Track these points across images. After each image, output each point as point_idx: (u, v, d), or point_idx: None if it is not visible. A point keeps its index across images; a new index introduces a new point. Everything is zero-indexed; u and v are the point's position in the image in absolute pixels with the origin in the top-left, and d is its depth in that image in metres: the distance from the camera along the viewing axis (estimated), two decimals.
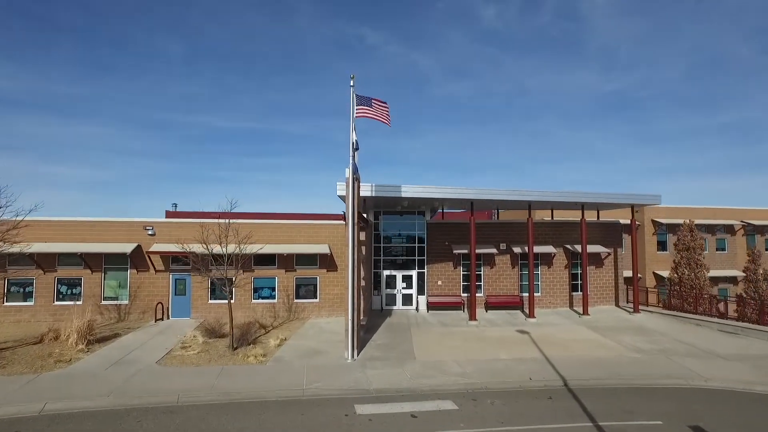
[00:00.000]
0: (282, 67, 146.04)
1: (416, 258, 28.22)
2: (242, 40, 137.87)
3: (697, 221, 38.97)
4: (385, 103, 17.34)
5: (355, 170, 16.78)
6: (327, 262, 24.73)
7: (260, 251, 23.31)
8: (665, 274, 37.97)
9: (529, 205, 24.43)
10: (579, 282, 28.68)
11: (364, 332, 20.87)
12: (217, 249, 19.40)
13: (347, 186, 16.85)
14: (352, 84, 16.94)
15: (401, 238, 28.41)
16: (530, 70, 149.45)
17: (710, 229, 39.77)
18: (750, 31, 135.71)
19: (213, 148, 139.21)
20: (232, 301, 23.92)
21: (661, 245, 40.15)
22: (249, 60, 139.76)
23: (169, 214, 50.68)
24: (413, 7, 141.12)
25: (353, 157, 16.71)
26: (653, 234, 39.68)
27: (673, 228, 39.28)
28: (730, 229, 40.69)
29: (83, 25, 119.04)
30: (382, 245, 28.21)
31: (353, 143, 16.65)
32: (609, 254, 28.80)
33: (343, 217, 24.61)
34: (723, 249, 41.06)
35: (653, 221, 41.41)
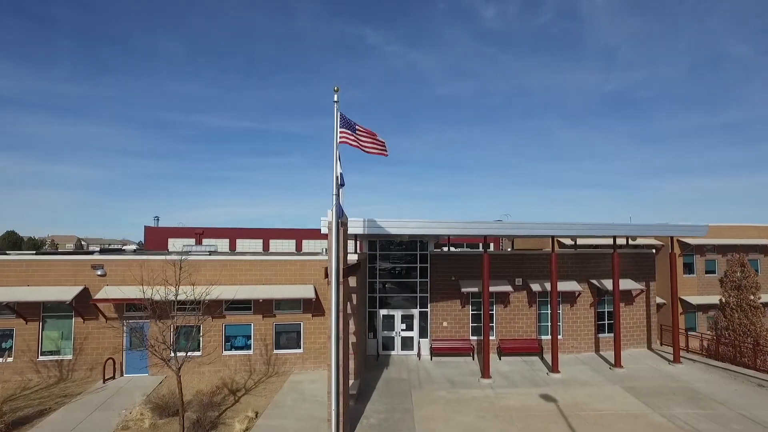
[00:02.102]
0: (282, 66, 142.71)
1: (418, 295, 24.33)
2: (242, 39, 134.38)
3: (726, 241, 35.28)
4: (375, 134, 13.52)
5: (340, 213, 12.89)
6: (313, 305, 20.82)
7: (232, 296, 19.43)
8: (692, 300, 34.19)
9: (553, 240, 20.55)
10: (606, 321, 24.84)
11: (354, 401, 16.98)
12: (178, 294, 15.60)
13: (330, 233, 12.97)
14: (336, 99, 13.07)
15: (400, 271, 24.52)
16: (530, 69, 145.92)
17: (741, 249, 35.99)
18: (750, 30, 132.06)
19: (213, 148, 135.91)
20: (198, 354, 20.18)
21: (688, 268, 36.34)
22: (249, 60, 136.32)
23: (148, 231, 46.78)
24: (414, 7, 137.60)
25: (337, 195, 12.82)
26: (679, 255, 35.80)
27: (700, 249, 35.54)
28: (764, 249, 36.86)
29: (83, 25, 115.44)
30: (378, 280, 24.32)
31: (337, 178, 12.77)
32: (642, 291, 24.91)
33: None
34: (756, 271, 37.26)
35: (679, 241, 37.72)
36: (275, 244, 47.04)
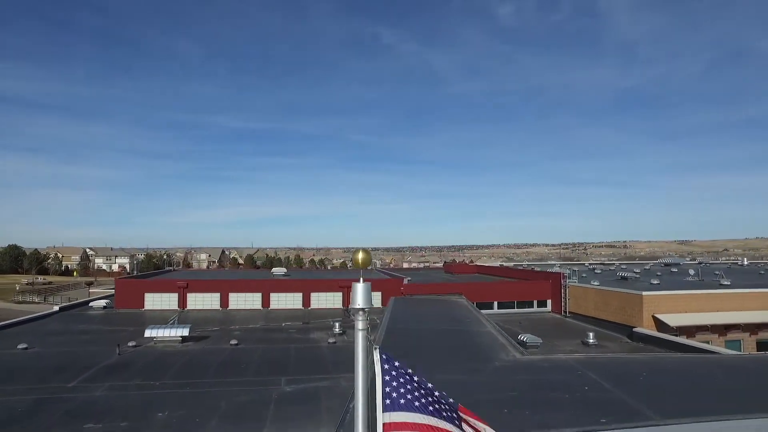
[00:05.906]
0: (296, 66, 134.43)
1: None
2: (257, 40, 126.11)
3: None
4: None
5: None
6: None
7: None
8: None
9: None
10: None
11: None
12: None
13: None
14: (361, 326, 3.45)
15: None
16: (547, 67, 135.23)
17: None
18: None
19: (227, 149, 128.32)
20: None
21: None
22: (264, 60, 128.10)
23: (119, 285, 37.69)
24: (429, 5, 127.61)
25: None
26: None
27: None
28: None
29: (99, 27, 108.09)
30: None
31: None
32: None
33: None
34: None
35: None
36: (276, 299, 37.69)
